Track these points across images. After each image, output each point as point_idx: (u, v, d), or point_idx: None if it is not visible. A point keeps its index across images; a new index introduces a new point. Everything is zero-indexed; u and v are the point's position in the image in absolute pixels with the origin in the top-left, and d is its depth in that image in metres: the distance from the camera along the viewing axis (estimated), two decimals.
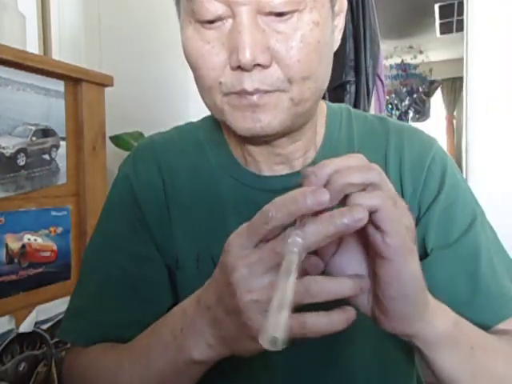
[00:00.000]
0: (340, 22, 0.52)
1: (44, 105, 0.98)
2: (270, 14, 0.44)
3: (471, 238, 0.52)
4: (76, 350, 0.56)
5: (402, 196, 0.53)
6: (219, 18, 0.44)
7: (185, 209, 0.57)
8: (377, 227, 0.33)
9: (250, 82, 0.44)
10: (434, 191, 0.54)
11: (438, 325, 0.40)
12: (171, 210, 0.57)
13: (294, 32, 0.44)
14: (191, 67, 0.49)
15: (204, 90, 0.49)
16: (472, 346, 0.43)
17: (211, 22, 0.45)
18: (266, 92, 0.45)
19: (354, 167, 0.34)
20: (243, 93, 0.45)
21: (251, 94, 0.45)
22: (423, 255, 0.53)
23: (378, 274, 0.35)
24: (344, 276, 0.37)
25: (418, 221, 0.54)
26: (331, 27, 0.49)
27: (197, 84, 0.50)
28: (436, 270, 0.51)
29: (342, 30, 0.53)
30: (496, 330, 0.50)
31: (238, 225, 0.55)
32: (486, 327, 0.49)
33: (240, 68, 0.44)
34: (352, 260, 0.38)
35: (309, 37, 0.45)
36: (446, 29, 5.16)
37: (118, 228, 0.58)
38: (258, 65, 0.43)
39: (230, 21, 0.44)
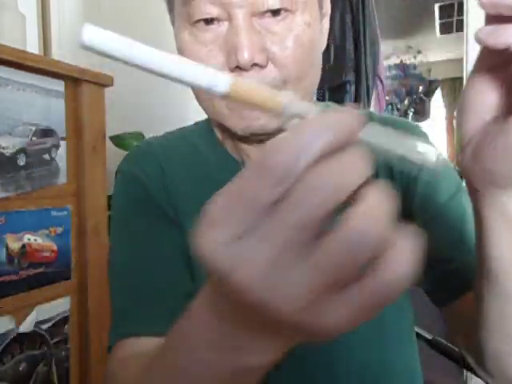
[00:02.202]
0: (325, 24, 0.54)
1: (44, 105, 0.98)
2: (265, 14, 0.45)
3: (456, 202, 0.54)
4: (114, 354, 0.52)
5: (392, 180, 0.56)
6: (216, 19, 0.45)
7: (187, 206, 0.57)
8: None
9: None
10: (416, 168, 0.56)
11: None
12: (176, 208, 0.57)
13: (288, 33, 0.46)
14: None
15: (202, 94, 0.50)
16: None
17: (207, 22, 0.46)
18: None
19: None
20: None
21: None
22: None
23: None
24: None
25: (405, 197, 0.56)
26: (320, 28, 0.51)
27: (193, 90, 0.50)
28: (425, 235, 0.53)
29: (327, 32, 0.55)
30: None
31: None
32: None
33: (238, 68, 0.45)
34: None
35: (302, 37, 0.46)
36: (445, 29, 5.15)
37: (146, 227, 0.56)
38: (256, 65, 0.45)
39: (226, 24, 0.46)
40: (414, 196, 0.56)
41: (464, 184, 0.57)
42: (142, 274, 0.54)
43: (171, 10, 0.51)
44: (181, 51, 0.49)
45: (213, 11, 0.45)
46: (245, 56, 0.43)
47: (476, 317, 0.44)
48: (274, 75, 0.46)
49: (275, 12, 0.45)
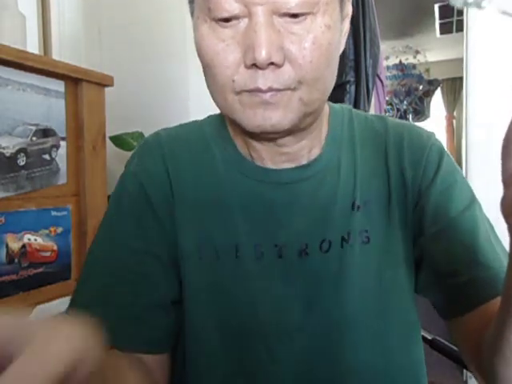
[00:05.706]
0: (345, 25, 0.54)
1: (44, 105, 0.98)
2: (285, 15, 0.45)
3: (469, 216, 0.55)
4: None
5: (404, 187, 0.56)
6: (235, 17, 0.45)
7: (189, 200, 0.57)
8: None
9: (263, 80, 0.45)
10: (430, 177, 0.57)
11: None
12: (176, 202, 0.57)
13: (307, 34, 0.45)
14: (205, 65, 0.49)
15: (216, 88, 0.49)
16: None
17: (227, 20, 0.46)
18: (278, 91, 0.46)
19: None
20: (256, 91, 0.46)
21: (264, 91, 0.46)
22: (420, 236, 0.56)
23: None
24: None
25: (417, 205, 0.57)
26: (340, 30, 0.51)
27: (208, 82, 0.51)
28: (434, 246, 0.55)
29: (347, 34, 0.55)
30: (494, 303, 0.50)
31: (242, 217, 0.56)
32: (486, 299, 0.51)
33: (254, 66, 0.45)
34: None
35: (321, 39, 0.46)
36: (445, 29, 5.15)
37: (125, 224, 0.57)
38: (272, 63, 0.45)
39: (246, 20, 0.45)
40: (426, 206, 0.56)
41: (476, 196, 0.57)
42: (116, 277, 0.55)
43: (192, 0, 0.51)
44: (199, 44, 0.49)
45: (233, 7, 0.45)
46: (262, 54, 0.43)
47: (493, 346, 0.44)
48: (290, 74, 0.46)
49: (295, 13, 0.45)
